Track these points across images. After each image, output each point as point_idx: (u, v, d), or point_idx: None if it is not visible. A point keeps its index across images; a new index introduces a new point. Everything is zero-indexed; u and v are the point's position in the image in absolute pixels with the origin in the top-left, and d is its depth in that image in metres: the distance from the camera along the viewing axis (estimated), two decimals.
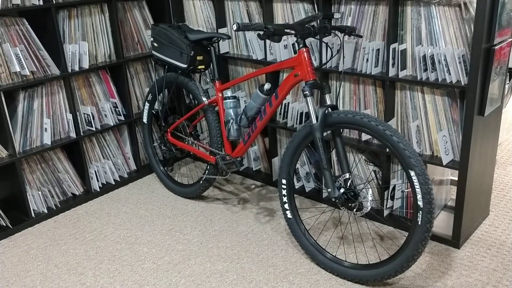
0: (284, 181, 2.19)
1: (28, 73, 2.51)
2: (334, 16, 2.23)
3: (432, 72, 2.06)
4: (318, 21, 2.27)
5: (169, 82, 2.75)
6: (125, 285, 2.10)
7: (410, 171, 1.81)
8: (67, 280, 2.16)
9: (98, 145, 2.93)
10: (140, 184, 3.03)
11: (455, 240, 2.19)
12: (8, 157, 2.50)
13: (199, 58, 2.55)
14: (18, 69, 2.44)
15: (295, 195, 2.40)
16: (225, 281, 2.08)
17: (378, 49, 2.20)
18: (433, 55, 2.04)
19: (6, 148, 2.51)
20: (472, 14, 1.94)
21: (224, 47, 2.84)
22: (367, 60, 2.23)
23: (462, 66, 1.98)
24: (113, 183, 2.97)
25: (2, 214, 2.52)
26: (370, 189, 2.04)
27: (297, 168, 2.72)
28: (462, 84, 1.99)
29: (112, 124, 2.90)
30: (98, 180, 2.90)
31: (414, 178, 1.80)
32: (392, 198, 2.38)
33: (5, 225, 2.54)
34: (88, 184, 2.85)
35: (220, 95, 2.54)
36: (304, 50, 2.03)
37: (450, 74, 2.01)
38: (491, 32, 1.92)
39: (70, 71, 2.66)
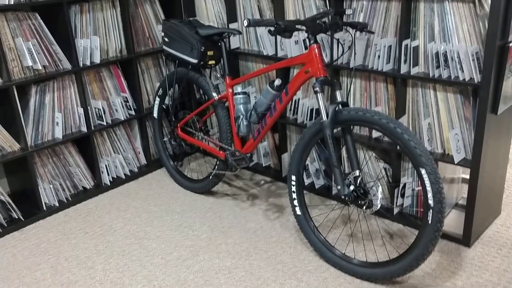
0: (293, 178, 2.19)
1: (40, 68, 2.52)
2: (346, 12, 2.21)
3: (444, 69, 2.04)
4: (330, 17, 2.25)
5: (179, 77, 2.75)
6: (134, 280, 2.11)
7: (421, 170, 1.79)
8: (77, 274, 2.18)
9: (109, 139, 2.94)
10: (150, 178, 3.05)
11: (466, 239, 2.17)
12: (20, 151, 2.52)
13: (210, 53, 2.55)
14: (30, 63, 2.46)
15: (304, 192, 2.40)
16: (234, 278, 2.08)
17: (390, 46, 2.18)
18: (446, 52, 2.01)
19: (18, 142, 2.53)
20: (487, 10, 1.91)
21: (234, 42, 2.84)
22: (379, 56, 2.20)
23: (475, 63, 1.95)
24: (123, 177, 2.99)
25: (14, 206, 2.55)
26: (380, 186, 2.03)
27: (307, 164, 2.71)
28: (475, 81, 1.96)
29: (122, 119, 2.91)
30: (108, 174, 2.92)
31: (425, 177, 1.78)
32: (403, 196, 2.37)
33: (17, 217, 2.57)
34: (99, 178, 2.87)
35: (230, 90, 2.53)
36: (315, 46, 2.02)
37: (463, 71, 1.98)
38: (505, 29, 1.89)
39: (81, 65, 2.67)
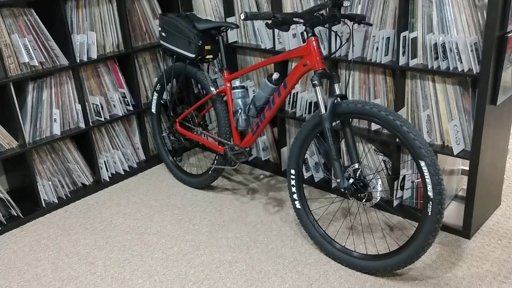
0: (293, 171, 2.19)
1: (37, 64, 2.51)
2: (344, 4, 2.19)
3: (443, 60, 2.03)
4: (327, 9, 2.24)
5: (177, 72, 2.74)
6: (134, 274, 2.12)
7: (420, 162, 1.79)
8: (77, 269, 2.18)
9: (107, 135, 2.93)
10: (149, 174, 3.04)
11: (466, 230, 2.17)
12: (19, 148, 2.52)
13: (207, 47, 2.54)
14: (27, 59, 2.45)
15: (304, 185, 2.40)
16: (234, 271, 2.09)
17: (388, 38, 2.17)
18: (444, 43, 2.01)
19: (17, 139, 2.52)
20: (485, 1, 1.90)
21: (232, 36, 2.82)
22: (377, 48, 2.20)
23: (474, 54, 1.95)
24: (123, 173, 2.98)
25: (13, 203, 2.55)
26: (379, 179, 2.03)
27: (306, 158, 2.71)
28: (474, 72, 1.95)
29: (121, 114, 2.90)
30: (107, 170, 2.91)
31: (424, 169, 1.78)
32: (402, 188, 2.37)
33: (16, 214, 2.57)
34: (98, 174, 2.86)
35: (228, 85, 2.53)
36: (313, 39, 2.01)
37: (461, 62, 1.98)
38: (504, 19, 1.88)
39: (78, 61, 2.66)
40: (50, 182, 2.67)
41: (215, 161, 2.64)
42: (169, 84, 2.84)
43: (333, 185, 2.64)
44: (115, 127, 2.97)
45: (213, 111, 3.18)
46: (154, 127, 3.01)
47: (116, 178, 2.95)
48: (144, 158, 3.14)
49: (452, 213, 2.33)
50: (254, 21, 2.71)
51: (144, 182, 2.94)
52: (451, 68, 2.02)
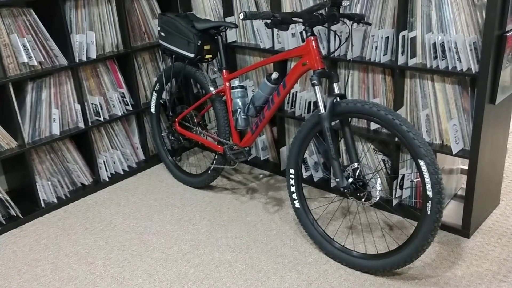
0: (292, 171, 2.19)
1: (36, 64, 2.51)
2: (343, 4, 2.19)
3: (442, 60, 2.03)
4: (327, 8, 2.24)
5: (176, 71, 2.74)
6: (134, 274, 2.12)
7: (420, 161, 1.79)
8: (77, 269, 2.18)
9: (107, 135, 2.93)
10: (148, 174, 3.04)
11: (465, 229, 2.18)
12: (18, 148, 2.51)
13: (206, 47, 2.54)
14: (26, 59, 2.44)
15: (303, 185, 2.40)
16: (234, 271, 2.09)
17: (388, 37, 2.17)
18: (443, 42, 2.01)
19: (16, 139, 2.52)
20: (484, 0, 1.90)
21: (231, 36, 2.82)
22: (376, 48, 2.20)
23: (473, 53, 1.95)
24: (122, 173, 2.98)
25: (12, 204, 2.55)
26: (379, 178, 2.03)
27: (306, 157, 2.71)
28: (473, 72, 1.96)
29: (120, 114, 2.90)
30: (107, 170, 2.91)
31: (424, 168, 1.78)
32: (401, 187, 2.37)
33: (15, 215, 2.57)
34: (97, 174, 2.86)
35: (227, 84, 2.53)
36: (312, 38, 2.01)
37: (460, 62, 1.98)
38: (503, 19, 1.88)
39: (77, 61, 2.65)
40: (49, 182, 2.67)
41: (215, 161, 2.64)
42: (168, 83, 2.84)
43: (333, 184, 2.64)
44: (114, 127, 2.97)
45: (212, 111, 3.18)
46: (154, 127, 3.00)
47: (115, 178, 2.95)
48: (144, 158, 3.14)
49: (451, 212, 2.34)
50: (253, 20, 2.71)
51: (143, 182, 2.94)
52: (450, 68, 2.02)
